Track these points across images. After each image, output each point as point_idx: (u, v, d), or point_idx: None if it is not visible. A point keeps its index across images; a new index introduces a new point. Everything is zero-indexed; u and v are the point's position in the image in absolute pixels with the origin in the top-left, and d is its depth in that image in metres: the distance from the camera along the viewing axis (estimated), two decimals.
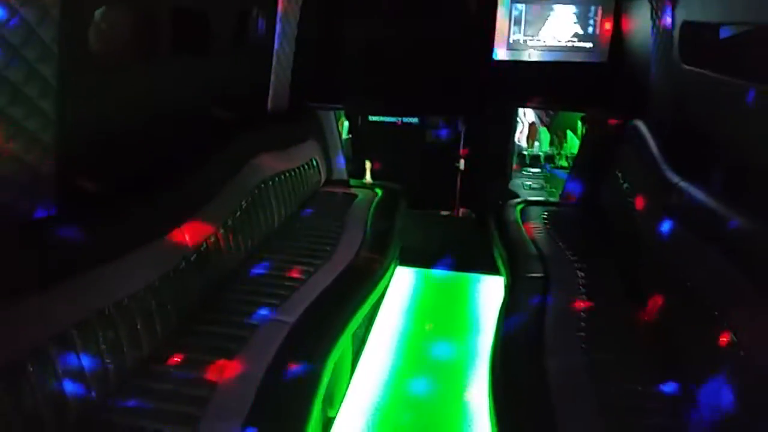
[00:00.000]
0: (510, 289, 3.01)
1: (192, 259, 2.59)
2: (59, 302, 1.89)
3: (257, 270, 3.01)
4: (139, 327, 2.19)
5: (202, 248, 2.67)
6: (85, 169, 2.26)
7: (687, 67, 3.26)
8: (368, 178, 4.90)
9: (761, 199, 2.33)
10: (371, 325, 3.74)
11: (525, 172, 5.38)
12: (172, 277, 2.42)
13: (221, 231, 2.86)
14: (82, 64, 2.14)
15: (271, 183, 3.50)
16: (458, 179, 5.28)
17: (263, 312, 2.62)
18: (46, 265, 1.92)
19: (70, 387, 1.86)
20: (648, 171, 3.12)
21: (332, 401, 2.86)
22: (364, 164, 4.97)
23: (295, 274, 3.01)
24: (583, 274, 3.08)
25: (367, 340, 3.61)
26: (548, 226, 3.76)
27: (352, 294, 2.98)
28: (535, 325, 2.57)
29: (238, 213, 3.04)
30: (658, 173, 2.96)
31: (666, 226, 2.75)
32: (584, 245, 3.42)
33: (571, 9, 4.67)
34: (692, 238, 2.48)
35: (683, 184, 2.73)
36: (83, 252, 2.07)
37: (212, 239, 2.76)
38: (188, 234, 2.58)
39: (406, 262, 4.70)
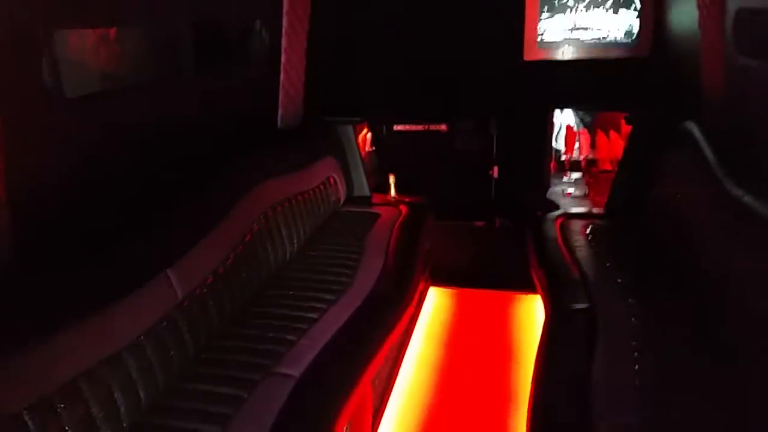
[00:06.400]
0: (549, 326, 2.61)
1: (184, 306, 2.30)
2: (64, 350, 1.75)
3: (261, 314, 2.70)
4: (116, 396, 1.91)
5: (196, 293, 2.38)
6: (48, 218, 2.01)
7: (744, 60, 2.82)
8: (392, 193, 4.57)
9: None
10: (398, 361, 3.39)
11: (565, 179, 4.95)
12: (158, 331, 2.15)
13: (221, 270, 2.57)
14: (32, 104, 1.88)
15: (280, 209, 3.21)
16: (492, 187, 4.91)
17: (265, 363, 2.31)
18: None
19: None
20: (704, 182, 2.69)
21: None
22: (387, 179, 4.66)
23: (305, 314, 2.69)
24: (635, 301, 2.66)
25: (394, 379, 3.26)
26: (592, 244, 3.34)
27: (369, 334, 2.65)
28: (580, 376, 2.17)
29: (241, 248, 2.75)
30: (717, 185, 2.54)
31: (729, 250, 2.33)
32: (634, 267, 2.99)
33: (607, 0, 4.25)
34: (761, 263, 2.07)
35: (748, 198, 2.31)
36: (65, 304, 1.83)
37: (209, 281, 2.48)
38: (177, 279, 2.29)
39: (438, 281, 4.36)
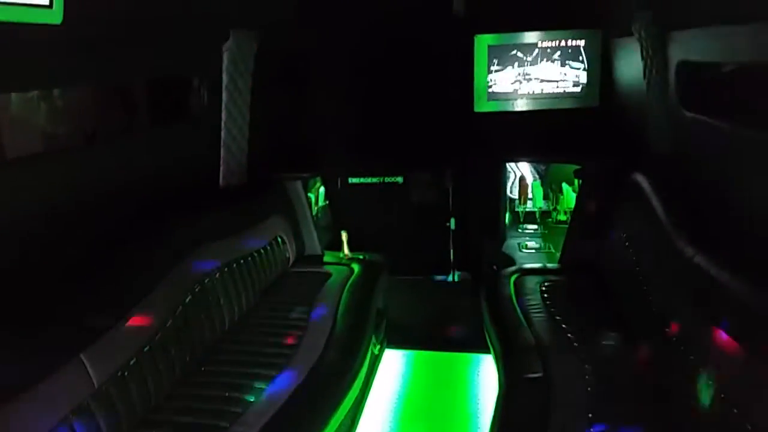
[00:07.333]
0: (502, 397, 2.46)
1: (101, 393, 2.07)
2: None
3: (192, 396, 2.46)
4: None
5: (117, 376, 2.15)
6: None
7: (688, 114, 2.81)
8: (345, 250, 4.41)
9: None
10: None
11: (520, 231, 4.89)
12: (69, 425, 1.91)
13: (146, 349, 2.35)
14: None
15: (219, 276, 3.01)
16: (450, 240, 4.81)
17: None
18: None
19: None
20: (656, 239, 2.62)
21: None
22: (342, 235, 4.51)
23: (242, 394, 2.47)
24: (590, 368, 2.53)
25: None
26: (548, 302, 3.23)
27: (312, 414, 2.45)
28: None
29: (171, 322, 2.54)
30: (669, 243, 2.47)
31: (681, 311, 2.25)
32: (590, 327, 2.88)
33: (555, 52, 4.29)
34: (713, 327, 1.99)
35: (699, 259, 2.23)
36: None
37: (132, 362, 2.25)
38: (92, 364, 2.06)
39: (394, 343, 4.17)
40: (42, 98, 2.64)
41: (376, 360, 3.86)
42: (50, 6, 1.87)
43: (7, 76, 2.04)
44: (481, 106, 4.48)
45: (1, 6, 1.69)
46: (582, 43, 4.24)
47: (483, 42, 4.37)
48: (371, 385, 3.66)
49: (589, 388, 2.38)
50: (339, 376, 2.76)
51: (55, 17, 1.90)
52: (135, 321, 2.32)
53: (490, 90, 4.44)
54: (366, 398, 3.50)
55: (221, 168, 3.57)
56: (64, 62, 2.24)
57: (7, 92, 2.30)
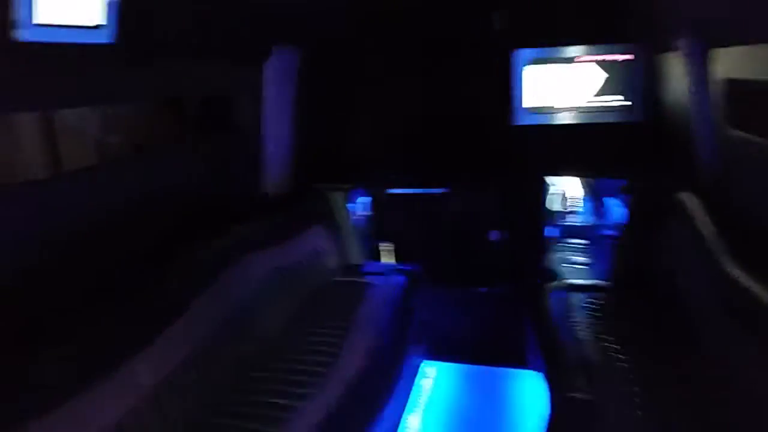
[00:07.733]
0: (549, 420, 2.40)
1: (152, 398, 2.12)
2: None
3: (237, 401, 2.48)
4: None
5: (167, 381, 2.20)
6: None
7: (735, 133, 2.71)
8: (387, 260, 4.43)
9: None
10: None
11: (566, 245, 4.80)
12: (123, 428, 1.96)
13: (193, 356, 2.40)
14: None
15: (260, 286, 3.05)
16: (493, 252, 4.76)
17: None
18: None
19: None
20: (703, 260, 2.53)
21: None
22: (382, 246, 4.53)
23: (288, 401, 2.48)
24: (639, 390, 2.45)
25: None
26: (594, 321, 3.15)
27: (352, 426, 2.45)
28: None
29: (211, 332, 2.57)
30: (715, 264, 2.38)
31: (729, 334, 2.17)
32: (639, 347, 2.79)
33: (597, 64, 4.19)
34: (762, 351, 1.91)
35: (745, 280, 2.15)
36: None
37: (180, 371, 2.29)
38: (143, 367, 2.11)
39: (435, 356, 4.14)
40: (94, 111, 2.74)
41: (416, 372, 3.84)
42: (102, 27, 1.95)
43: (63, 93, 2.13)
44: (522, 119, 4.43)
45: (56, 27, 1.77)
46: (627, 57, 4.14)
47: (524, 56, 4.32)
48: (411, 399, 3.64)
49: (638, 411, 2.30)
50: (379, 388, 2.76)
51: (107, 37, 1.98)
52: (175, 332, 2.36)
53: (529, 104, 4.37)
54: (406, 411, 3.48)
55: (264, 178, 3.63)
56: (115, 79, 2.33)
57: (63, 109, 2.39)
